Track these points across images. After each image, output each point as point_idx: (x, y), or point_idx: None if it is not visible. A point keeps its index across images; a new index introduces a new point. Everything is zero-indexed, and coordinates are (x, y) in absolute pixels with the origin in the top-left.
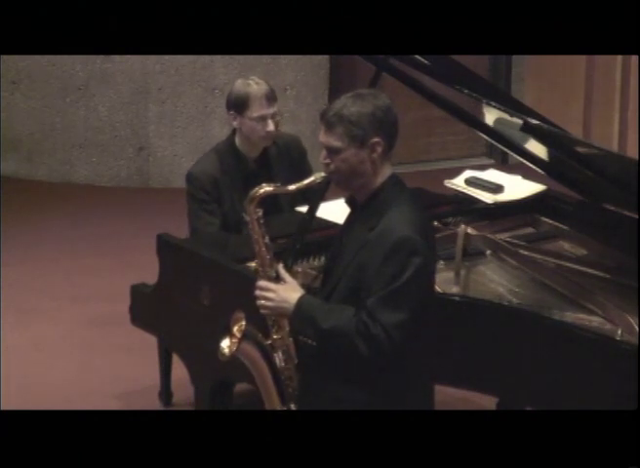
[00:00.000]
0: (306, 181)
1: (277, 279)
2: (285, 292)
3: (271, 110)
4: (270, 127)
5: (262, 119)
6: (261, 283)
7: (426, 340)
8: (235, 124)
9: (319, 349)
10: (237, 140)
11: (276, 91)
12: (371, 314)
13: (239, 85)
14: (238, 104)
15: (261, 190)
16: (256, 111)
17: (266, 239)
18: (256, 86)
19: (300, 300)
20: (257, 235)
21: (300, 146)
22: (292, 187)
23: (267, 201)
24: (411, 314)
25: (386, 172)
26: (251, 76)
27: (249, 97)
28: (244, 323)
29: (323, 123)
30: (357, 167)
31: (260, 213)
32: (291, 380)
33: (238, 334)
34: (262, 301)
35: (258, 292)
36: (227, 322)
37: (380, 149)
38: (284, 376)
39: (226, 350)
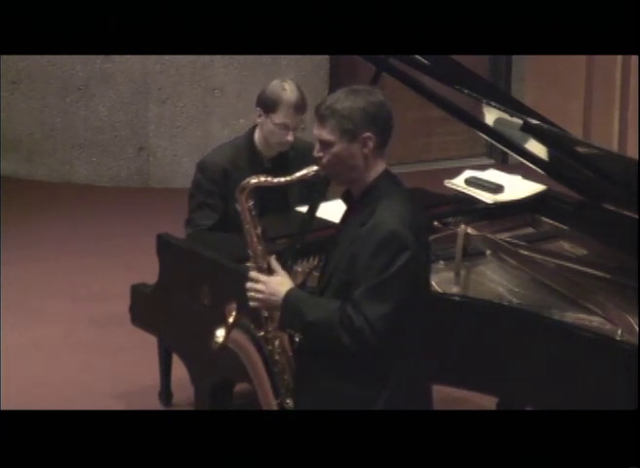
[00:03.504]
0: (299, 174)
1: (269, 270)
2: (274, 284)
3: (296, 121)
4: (290, 137)
5: (285, 127)
6: (252, 274)
7: (425, 340)
8: (259, 121)
9: (308, 343)
10: (256, 137)
11: None
12: (356, 306)
13: (274, 86)
14: (267, 104)
15: (253, 180)
16: (281, 118)
17: (258, 230)
18: (289, 93)
19: (288, 293)
20: (248, 225)
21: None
22: (284, 180)
23: (275, 199)
24: (396, 307)
25: (380, 167)
26: (288, 80)
27: (279, 103)
28: (235, 312)
29: (316, 116)
30: (348, 161)
31: (252, 203)
32: (285, 373)
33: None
34: (252, 293)
35: (248, 284)
36: (223, 314)
37: (371, 144)
38: (277, 369)
39: (220, 339)
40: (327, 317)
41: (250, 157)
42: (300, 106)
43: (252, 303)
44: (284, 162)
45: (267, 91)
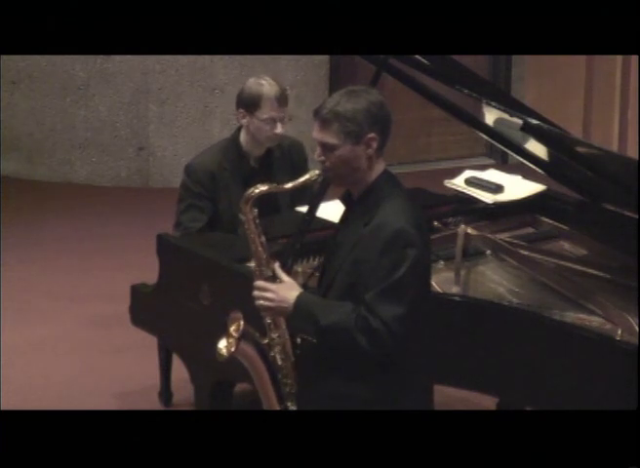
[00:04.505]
0: (301, 179)
1: (274, 278)
2: (283, 291)
3: (281, 113)
4: (278, 129)
5: (272, 121)
6: (259, 283)
7: (426, 340)
8: (243, 122)
9: (318, 346)
10: (242, 138)
11: None
12: (370, 308)
13: (252, 84)
14: (249, 103)
15: (257, 190)
16: (266, 112)
17: (262, 238)
18: (268, 86)
19: (299, 298)
20: (253, 234)
21: (302, 151)
22: (287, 186)
23: (265, 201)
24: (410, 306)
25: (380, 167)
26: (264, 76)
27: (261, 98)
28: (242, 322)
29: (317, 120)
30: (353, 162)
31: (256, 212)
32: (288, 378)
33: (235, 334)
34: (262, 302)
35: (256, 293)
36: (224, 322)
37: (375, 145)
38: (281, 375)
39: (224, 350)
40: (342, 320)
41: (236, 158)
42: (281, 98)
43: (263, 313)
44: (270, 161)
45: (246, 90)
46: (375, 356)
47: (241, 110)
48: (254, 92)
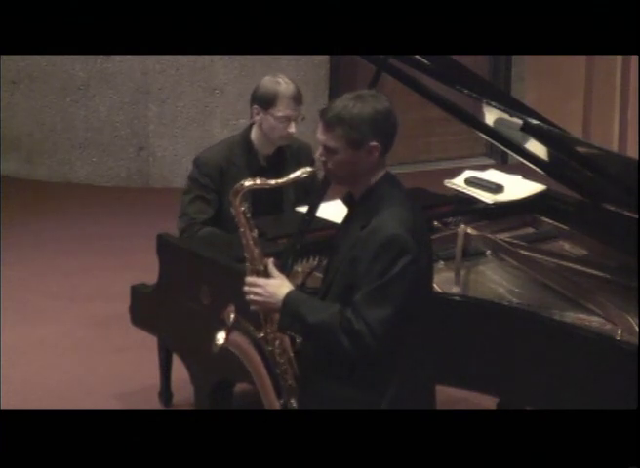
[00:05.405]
0: (292, 176)
1: (266, 273)
2: (273, 287)
3: (296, 112)
4: (292, 128)
5: (286, 119)
6: (249, 279)
7: (426, 340)
8: (257, 119)
9: (312, 347)
10: (253, 135)
11: None
12: (356, 310)
13: (268, 81)
14: (264, 101)
15: (246, 183)
16: (281, 111)
17: (254, 232)
18: (285, 85)
19: (288, 296)
20: (243, 228)
21: (310, 154)
22: (275, 182)
23: (269, 201)
24: (396, 311)
25: (381, 171)
26: (278, 74)
27: (277, 96)
28: (232, 315)
29: (322, 122)
30: (352, 167)
31: (246, 206)
32: (286, 374)
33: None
34: (251, 296)
35: (246, 288)
36: (223, 320)
37: (376, 153)
38: (279, 370)
39: (220, 341)
40: (327, 320)
41: (246, 155)
42: (297, 97)
43: (252, 307)
44: (280, 160)
45: (262, 87)
46: (357, 357)
47: (255, 107)
48: (270, 89)
